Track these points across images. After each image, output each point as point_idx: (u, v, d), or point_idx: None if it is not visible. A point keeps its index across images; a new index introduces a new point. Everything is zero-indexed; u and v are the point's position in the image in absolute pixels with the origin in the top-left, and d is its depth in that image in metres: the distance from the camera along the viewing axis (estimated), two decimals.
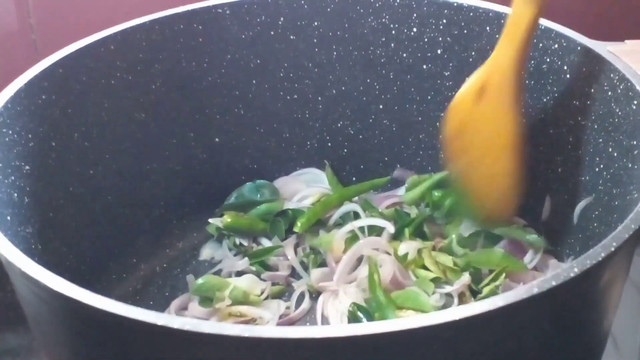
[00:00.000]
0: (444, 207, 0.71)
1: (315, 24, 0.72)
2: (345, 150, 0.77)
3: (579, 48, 0.62)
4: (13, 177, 0.58)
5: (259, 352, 0.42)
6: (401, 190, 0.75)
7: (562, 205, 0.66)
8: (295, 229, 0.71)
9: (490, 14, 0.67)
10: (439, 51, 0.71)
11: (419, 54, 0.72)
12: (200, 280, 0.66)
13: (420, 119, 0.74)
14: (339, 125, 0.76)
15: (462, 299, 0.65)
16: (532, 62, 0.66)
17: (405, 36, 0.72)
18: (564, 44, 0.63)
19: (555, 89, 0.65)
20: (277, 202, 0.74)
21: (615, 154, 0.59)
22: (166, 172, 0.72)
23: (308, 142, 0.77)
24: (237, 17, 0.71)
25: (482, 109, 0.62)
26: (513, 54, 0.60)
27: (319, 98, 0.75)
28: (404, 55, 0.72)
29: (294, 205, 0.74)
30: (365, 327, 0.41)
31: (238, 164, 0.75)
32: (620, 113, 0.59)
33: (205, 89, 0.72)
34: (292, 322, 0.66)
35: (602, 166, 0.61)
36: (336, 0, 0.72)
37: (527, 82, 0.67)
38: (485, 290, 0.64)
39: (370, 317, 0.63)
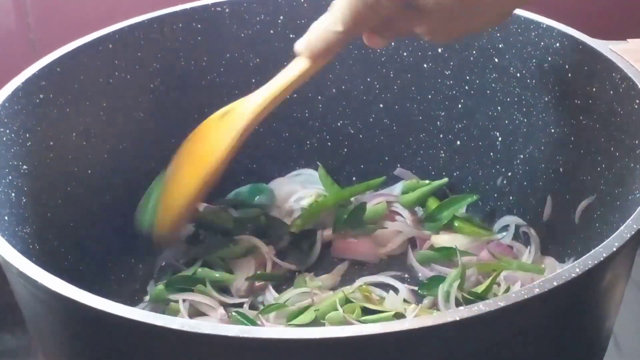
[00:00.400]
0: (440, 220, 0.71)
1: None
2: (345, 150, 0.77)
3: (580, 47, 0.62)
4: (11, 177, 0.58)
5: (258, 352, 0.42)
6: (396, 190, 0.75)
7: (563, 205, 0.66)
8: (292, 229, 0.71)
9: None
10: (439, 50, 0.70)
11: (420, 53, 0.71)
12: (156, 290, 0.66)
13: (420, 118, 0.74)
14: (339, 124, 0.76)
15: None
16: (534, 60, 0.66)
17: None
18: (566, 43, 0.63)
19: (556, 87, 0.65)
20: (266, 207, 0.74)
21: (617, 154, 0.59)
22: None
23: (308, 142, 0.76)
24: (237, 15, 0.71)
25: (217, 125, 0.63)
26: (266, 96, 0.61)
27: (319, 97, 0.75)
28: (404, 54, 0.72)
29: (290, 205, 0.74)
30: (366, 328, 0.41)
31: (237, 163, 0.75)
32: (622, 112, 0.59)
33: (205, 87, 0.72)
34: None
35: (603, 166, 0.61)
36: None
37: (528, 80, 0.66)
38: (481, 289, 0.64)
39: None
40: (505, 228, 0.71)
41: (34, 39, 0.83)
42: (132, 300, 0.68)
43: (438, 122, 0.73)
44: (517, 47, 0.67)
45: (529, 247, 0.68)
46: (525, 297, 0.42)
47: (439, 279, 0.65)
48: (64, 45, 0.64)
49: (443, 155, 0.74)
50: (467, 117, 0.72)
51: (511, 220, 0.71)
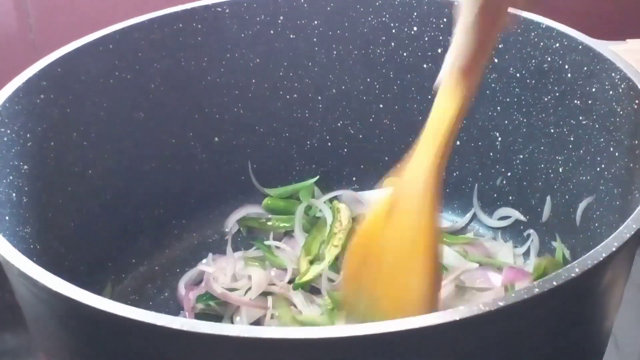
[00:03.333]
0: None
1: (315, 23, 0.72)
2: (345, 150, 0.77)
3: (580, 47, 0.62)
4: (11, 177, 0.58)
5: (258, 352, 0.42)
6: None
7: (563, 206, 0.66)
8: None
9: None
10: (439, 50, 0.70)
11: (420, 53, 0.71)
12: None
13: (420, 118, 0.73)
14: (339, 124, 0.76)
15: None
16: (533, 61, 0.66)
17: (405, 35, 0.71)
18: (565, 43, 0.63)
19: (556, 88, 0.65)
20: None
21: (617, 154, 0.59)
22: (165, 172, 0.72)
23: (308, 142, 0.76)
24: (237, 16, 0.71)
25: (392, 230, 0.53)
26: (433, 161, 0.52)
27: (319, 97, 0.75)
28: (405, 54, 0.72)
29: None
30: (365, 327, 0.40)
31: (237, 164, 0.75)
32: (621, 112, 0.59)
33: (205, 88, 0.72)
34: None
35: (603, 166, 0.61)
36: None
37: (528, 81, 0.67)
38: None
39: None
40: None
41: (35, 39, 0.84)
42: (133, 299, 0.68)
43: None
44: (516, 48, 0.67)
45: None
46: (525, 297, 0.42)
47: None
48: (65, 45, 0.64)
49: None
50: (466, 117, 0.71)
51: (509, 212, 0.71)
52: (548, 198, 0.68)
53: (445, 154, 0.52)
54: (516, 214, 0.71)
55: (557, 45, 0.64)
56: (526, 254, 0.70)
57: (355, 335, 0.40)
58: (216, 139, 0.74)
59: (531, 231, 0.70)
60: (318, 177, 0.76)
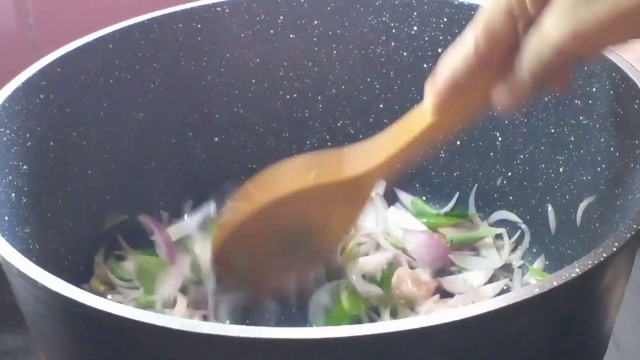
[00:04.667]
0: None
1: (315, 22, 0.72)
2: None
3: None
4: (11, 177, 0.58)
5: (259, 352, 0.42)
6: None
7: (563, 206, 0.66)
8: None
9: None
10: (439, 50, 0.70)
11: (420, 53, 0.71)
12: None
13: None
14: (339, 124, 0.76)
15: None
16: None
17: (405, 35, 0.71)
18: None
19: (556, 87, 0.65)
20: None
21: (617, 154, 0.59)
22: (165, 172, 0.72)
23: (308, 142, 0.76)
24: (237, 15, 0.71)
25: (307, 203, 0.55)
26: (385, 161, 0.53)
27: (319, 97, 0.75)
28: (405, 54, 0.72)
29: None
30: (365, 327, 0.41)
31: (237, 164, 0.75)
32: (622, 112, 0.59)
33: (205, 88, 0.72)
34: None
35: (603, 166, 0.61)
36: None
37: None
38: None
39: None
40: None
41: (35, 38, 0.84)
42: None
43: None
44: None
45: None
46: (525, 297, 0.42)
47: None
48: (64, 45, 0.64)
49: (443, 155, 0.74)
50: None
51: (506, 215, 0.72)
52: (547, 198, 0.68)
53: (401, 162, 0.53)
54: (512, 217, 0.71)
55: None
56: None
57: (355, 335, 0.40)
58: (216, 139, 0.74)
59: (524, 226, 0.70)
60: None
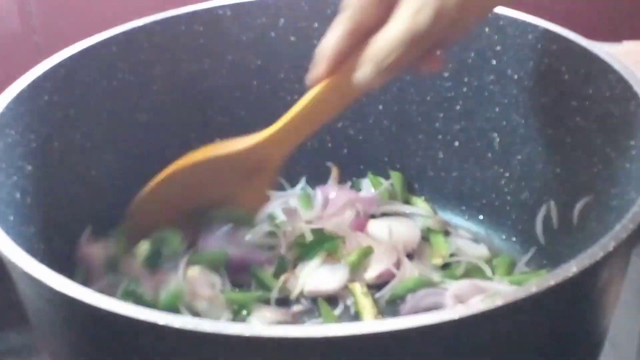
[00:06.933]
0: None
1: (316, 25, 0.72)
2: (345, 151, 0.77)
3: (577, 49, 0.63)
4: (15, 177, 0.58)
5: (259, 351, 0.42)
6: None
7: (560, 205, 0.66)
8: None
9: (490, 15, 0.67)
10: (437, 53, 0.71)
11: None
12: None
13: (419, 119, 0.74)
14: (339, 125, 0.76)
15: None
16: (531, 62, 0.66)
17: None
18: (562, 45, 0.64)
19: (553, 89, 0.65)
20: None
21: (613, 154, 0.59)
22: None
23: (308, 143, 0.76)
24: (238, 18, 0.71)
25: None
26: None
27: None
28: None
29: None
30: (365, 327, 0.41)
31: None
32: (617, 114, 0.59)
33: (206, 90, 0.72)
34: None
35: (600, 166, 0.61)
36: (336, 2, 0.72)
37: (526, 82, 0.67)
38: None
39: None
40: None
41: (39, 41, 0.84)
42: None
43: (437, 124, 0.73)
44: (514, 50, 0.67)
45: None
46: (522, 295, 0.42)
47: None
48: (68, 47, 0.65)
49: (442, 156, 0.74)
50: (465, 119, 0.72)
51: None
52: (545, 198, 0.68)
53: (297, 127, 0.62)
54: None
55: (555, 47, 0.64)
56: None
57: (356, 334, 0.41)
58: (218, 140, 0.74)
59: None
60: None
